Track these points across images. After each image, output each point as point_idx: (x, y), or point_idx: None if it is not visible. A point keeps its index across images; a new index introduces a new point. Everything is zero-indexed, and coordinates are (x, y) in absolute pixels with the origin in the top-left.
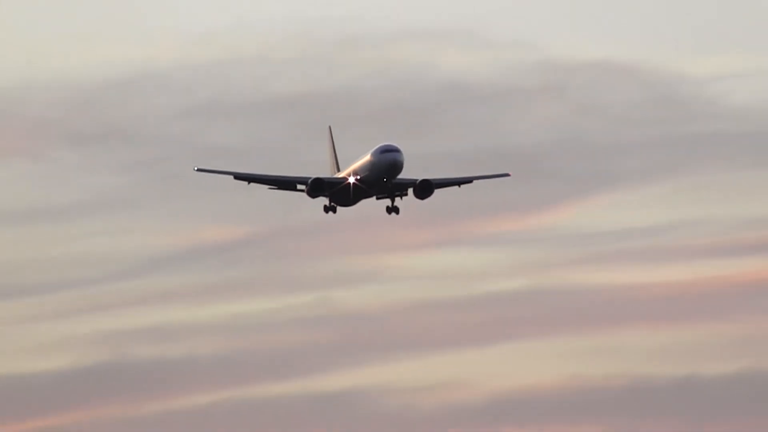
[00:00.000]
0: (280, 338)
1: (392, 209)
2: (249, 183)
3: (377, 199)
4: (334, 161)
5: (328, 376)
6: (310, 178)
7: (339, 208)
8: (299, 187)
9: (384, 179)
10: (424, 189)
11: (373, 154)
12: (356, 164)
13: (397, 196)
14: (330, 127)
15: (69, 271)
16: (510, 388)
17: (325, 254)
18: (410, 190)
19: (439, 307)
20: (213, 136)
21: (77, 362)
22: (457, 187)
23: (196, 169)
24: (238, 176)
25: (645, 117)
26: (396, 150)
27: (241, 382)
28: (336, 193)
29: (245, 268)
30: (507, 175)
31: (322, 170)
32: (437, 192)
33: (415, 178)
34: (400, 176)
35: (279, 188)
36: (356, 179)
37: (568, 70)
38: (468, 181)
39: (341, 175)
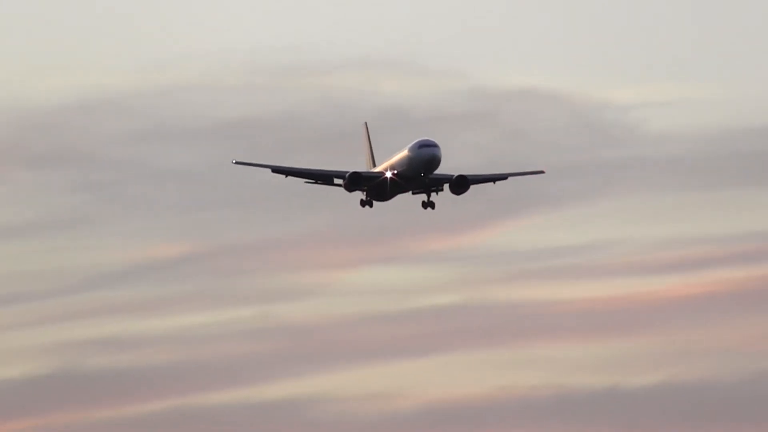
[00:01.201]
0: (226, 349)
1: (428, 204)
2: (286, 176)
3: (413, 194)
4: (371, 156)
5: (271, 386)
6: (347, 172)
7: (375, 203)
8: (336, 181)
9: (422, 174)
10: (460, 184)
11: (410, 150)
12: (393, 159)
13: (433, 191)
14: (366, 123)
15: (25, 285)
16: (444, 398)
17: (268, 269)
18: (446, 186)
19: (377, 321)
20: (162, 159)
21: (31, 372)
22: (492, 183)
23: (234, 162)
24: (276, 170)
25: (570, 142)
26: (434, 145)
27: (188, 391)
28: (373, 188)
29: (192, 282)
30: (542, 171)
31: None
32: (374, 205)
33: (451, 173)
34: (436, 171)
35: (316, 182)
36: (393, 174)
37: (498, 97)
38: (503, 177)
39: (378, 169)
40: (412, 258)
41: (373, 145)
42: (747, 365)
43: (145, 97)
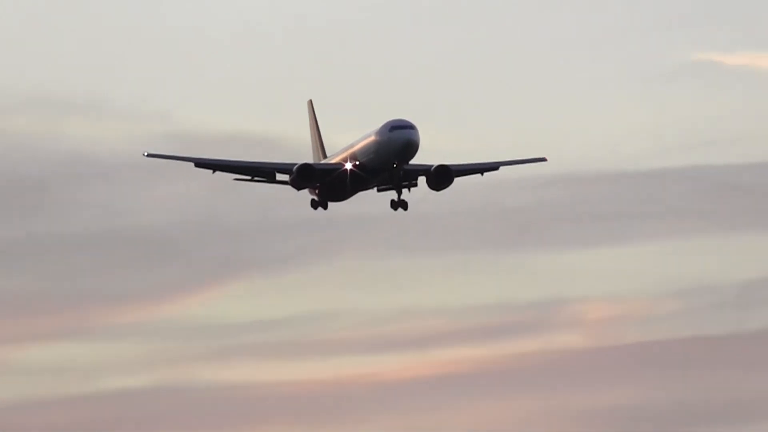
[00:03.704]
0: None
1: (398, 204)
2: (214, 172)
3: (378, 191)
4: (319, 143)
5: None
6: (295, 164)
7: (330, 204)
8: (279, 177)
9: (394, 164)
10: (441, 177)
11: (379, 134)
12: (355, 147)
13: (405, 187)
14: (311, 101)
15: None
16: None
17: None
18: (421, 179)
19: (53, 405)
20: None
21: None
22: (479, 175)
23: (145, 154)
24: (200, 163)
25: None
26: (410, 126)
27: None
28: (328, 184)
29: None
30: (544, 159)
31: None
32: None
33: (429, 164)
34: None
35: (252, 179)
36: (354, 165)
37: (202, 141)
38: (494, 167)
39: (335, 160)
40: (96, 332)
41: (47, 199)
42: None
43: None
